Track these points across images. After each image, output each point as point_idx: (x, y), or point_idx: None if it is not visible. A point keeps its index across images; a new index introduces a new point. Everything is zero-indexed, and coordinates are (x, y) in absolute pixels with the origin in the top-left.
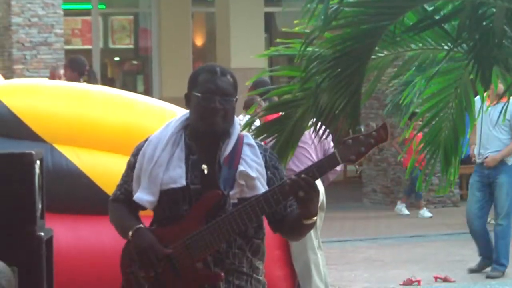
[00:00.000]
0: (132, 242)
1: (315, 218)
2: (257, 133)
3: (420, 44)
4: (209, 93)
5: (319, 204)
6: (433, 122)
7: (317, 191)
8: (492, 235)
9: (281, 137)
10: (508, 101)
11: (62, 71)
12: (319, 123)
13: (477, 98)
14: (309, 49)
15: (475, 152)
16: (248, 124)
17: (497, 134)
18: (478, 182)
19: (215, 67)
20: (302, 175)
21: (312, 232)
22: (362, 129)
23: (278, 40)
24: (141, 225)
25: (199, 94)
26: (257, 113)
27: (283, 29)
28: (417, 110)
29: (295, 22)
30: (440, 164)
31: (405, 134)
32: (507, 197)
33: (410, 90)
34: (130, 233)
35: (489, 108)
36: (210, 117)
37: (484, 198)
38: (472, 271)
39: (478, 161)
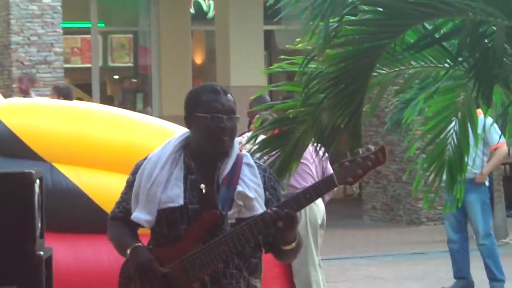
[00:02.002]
0: (130, 260)
1: (294, 243)
2: (260, 147)
3: (421, 62)
4: (217, 113)
5: (319, 221)
6: (437, 140)
7: (296, 222)
8: (477, 253)
9: (283, 152)
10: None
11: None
12: (320, 142)
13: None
14: (311, 65)
15: None
16: (252, 137)
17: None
18: (450, 198)
19: (216, 86)
20: (285, 210)
21: (313, 249)
22: (361, 151)
23: (281, 56)
24: (139, 244)
25: (207, 115)
26: (262, 127)
27: (287, 46)
28: (419, 128)
29: (297, 40)
30: (446, 182)
31: (409, 152)
32: (478, 216)
33: (412, 108)
34: (128, 251)
35: None
36: (219, 137)
37: (461, 214)
38: None
39: None
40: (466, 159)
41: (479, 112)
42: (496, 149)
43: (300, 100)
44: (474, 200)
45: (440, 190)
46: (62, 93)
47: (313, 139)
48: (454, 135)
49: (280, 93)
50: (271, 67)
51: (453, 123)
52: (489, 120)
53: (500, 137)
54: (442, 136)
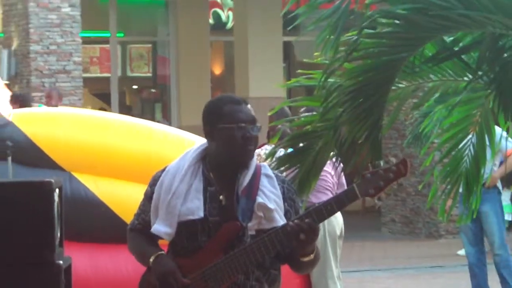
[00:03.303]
0: (153, 268)
1: (312, 255)
2: (280, 162)
3: (440, 75)
4: (242, 122)
5: (338, 233)
6: (454, 152)
7: (317, 235)
8: (493, 267)
9: (302, 168)
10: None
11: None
12: (339, 155)
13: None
14: (329, 80)
15: None
16: (271, 154)
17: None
18: (466, 211)
19: (235, 97)
20: (306, 220)
21: (332, 261)
22: (382, 164)
23: (299, 71)
24: (162, 252)
25: (232, 125)
26: (281, 142)
27: (304, 60)
28: (436, 140)
29: (315, 54)
30: (462, 194)
31: (425, 163)
32: (494, 226)
33: (430, 120)
34: (152, 259)
35: None
36: (245, 147)
37: (477, 227)
38: None
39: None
40: (482, 171)
41: None
42: (509, 155)
43: (318, 114)
44: (488, 210)
45: (456, 202)
46: (19, 100)
47: (332, 153)
48: (471, 147)
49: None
50: (289, 82)
51: (470, 135)
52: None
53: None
54: (459, 147)
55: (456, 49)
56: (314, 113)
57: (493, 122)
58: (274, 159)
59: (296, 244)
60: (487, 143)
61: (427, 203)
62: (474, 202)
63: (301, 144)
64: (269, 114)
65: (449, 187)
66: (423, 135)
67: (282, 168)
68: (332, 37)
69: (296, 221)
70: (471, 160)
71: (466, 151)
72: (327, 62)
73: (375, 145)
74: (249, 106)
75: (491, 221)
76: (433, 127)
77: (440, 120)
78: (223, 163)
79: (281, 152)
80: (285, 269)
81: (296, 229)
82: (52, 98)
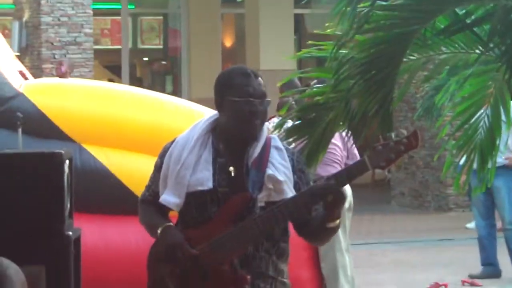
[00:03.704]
0: (161, 239)
1: (338, 221)
2: (288, 134)
3: (452, 48)
4: (249, 97)
5: (347, 205)
6: (467, 125)
7: (345, 196)
8: (501, 240)
9: (311, 139)
10: None
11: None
12: (350, 128)
13: None
14: (341, 51)
15: None
16: (280, 126)
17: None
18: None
19: (247, 69)
20: (332, 181)
21: (340, 234)
22: (393, 136)
23: (309, 42)
24: (170, 223)
25: (238, 99)
26: (289, 114)
27: (315, 31)
28: (449, 113)
29: (326, 25)
30: (477, 165)
31: (441, 134)
32: (505, 201)
33: (444, 92)
34: (159, 230)
35: None
36: (251, 121)
37: (489, 200)
38: (472, 277)
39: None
40: (497, 142)
41: None
42: None
43: (329, 86)
44: (501, 185)
45: (470, 174)
46: None
47: (342, 126)
48: (486, 119)
49: (310, 78)
50: (300, 52)
51: (484, 107)
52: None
53: None
54: (473, 119)
55: (468, 21)
56: (325, 84)
57: (508, 94)
58: (282, 130)
59: (324, 207)
60: (503, 114)
61: (436, 176)
62: (489, 173)
63: (311, 116)
64: (278, 84)
65: (463, 159)
66: (435, 108)
67: (290, 140)
68: (348, 8)
69: (323, 182)
70: (486, 132)
71: (481, 123)
72: (339, 33)
73: (386, 117)
74: (260, 79)
75: (503, 196)
76: (446, 100)
77: (453, 93)
78: (232, 135)
79: (288, 123)
80: (293, 242)
81: (323, 190)
82: (63, 65)
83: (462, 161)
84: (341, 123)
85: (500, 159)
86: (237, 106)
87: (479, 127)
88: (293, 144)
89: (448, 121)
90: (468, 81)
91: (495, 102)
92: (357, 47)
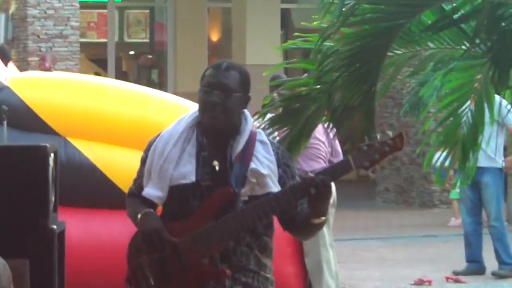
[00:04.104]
0: (140, 224)
1: (323, 218)
2: (271, 123)
3: (438, 43)
4: (209, 87)
5: (331, 201)
6: (451, 118)
7: (330, 190)
8: (487, 237)
9: (294, 129)
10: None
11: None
12: (332, 120)
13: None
14: (326, 44)
15: None
16: (262, 115)
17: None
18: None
19: (223, 62)
20: (319, 176)
21: (325, 229)
22: (378, 137)
23: (295, 34)
24: (150, 210)
25: (200, 88)
26: (272, 104)
27: (302, 23)
28: (432, 110)
29: (314, 17)
30: (458, 159)
31: (424, 127)
32: (493, 198)
33: (429, 86)
34: (139, 215)
35: None
36: (209, 110)
37: (476, 197)
38: (456, 273)
39: None
40: (480, 138)
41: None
42: None
43: (313, 78)
44: (489, 182)
45: (451, 167)
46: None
47: (324, 118)
48: (469, 114)
49: (295, 71)
50: (286, 43)
51: (468, 102)
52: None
53: None
54: (456, 114)
55: (455, 17)
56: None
57: (492, 90)
58: (265, 119)
59: (309, 202)
60: (486, 110)
61: (421, 172)
62: (470, 168)
63: (294, 106)
64: (264, 73)
65: (445, 153)
66: (421, 103)
67: (273, 128)
68: (336, 1)
69: (307, 176)
70: (469, 127)
71: (464, 118)
72: (325, 26)
73: (369, 110)
74: (232, 72)
75: (491, 193)
76: (431, 95)
77: (438, 87)
78: (204, 127)
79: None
80: (277, 237)
81: (308, 182)
82: (46, 60)
83: (440, 157)
84: (324, 115)
85: (489, 159)
86: (199, 95)
87: (462, 122)
88: (276, 133)
89: (432, 115)
90: (453, 75)
91: (479, 98)
92: (342, 39)
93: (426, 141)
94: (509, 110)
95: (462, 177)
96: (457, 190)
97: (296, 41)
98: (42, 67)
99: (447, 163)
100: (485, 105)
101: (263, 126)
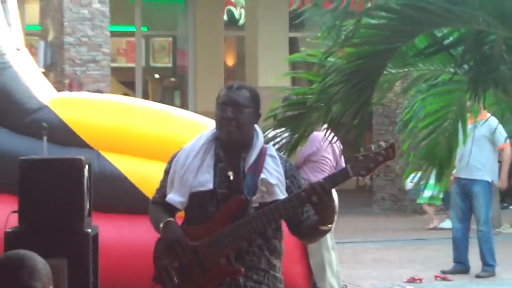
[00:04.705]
0: (163, 233)
1: (330, 225)
2: (277, 124)
3: (428, 65)
4: (223, 104)
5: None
6: (432, 136)
7: (331, 197)
8: (474, 240)
9: (295, 133)
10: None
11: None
12: (331, 128)
13: None
14: (329, 60)
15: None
16: (270, 116)
17: (481, 148)
18: (458, 191)
19: (234, 83)
20: (318, 185)
21: (327, 234)
22: (373, 148)
23: (302, 48)
24: (172, 219)
25: (216, 105)
26: (278, 107)
27: (308, 40)
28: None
29: (318, 35)
30: (435, 175)
31: (403, 147)
32: (482, 206)
33: (410, 108)
34: (161, 225)
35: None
36: (224, 126)
37: (466, 205)
38: (444, 272)
39: (455, 173)
40: (454, 155)
41: (486, 115)
42: (502, 149)
43: (314, 88)
44: (479, 192)
45: (428, 181)
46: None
47: (323, 125)
48: (446, 133)
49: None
50: (292, 55)
51: (445, 123)
52: (495, 121)
53: (505, 139)
54: (436, 133)
55: (445, 43)
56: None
57: (467, 113)
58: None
59: (315, 210)
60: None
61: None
62: (444, 183)
63: (297, 112)
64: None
65: (424, 168)
66: (405, 119)
67: (281, 129)
68: (337, 22)
69: (310, 184)
70: (445, 145)
71: (441, 138)
72: (329, 43)
73: (362, 121)
74: (243, 91)
75: (480, 201)
76: (413, 116)
77: (419, 108)
78: (220, 141)
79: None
80: (286, 241)
81: (310, 191)
82: (73, 87)
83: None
84: (323, 123)
85: (479, 172)
86: (215, 112)
87: (439, 142)
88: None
89: (416, 131)
90: (431, 100)
91: (455, 119)
92: (343, 58)
93: (404, 159)
94: (496, 128)
95: (438, 190)
96: (425, 195)
97: (302, 54)
98: (70, 89)
99: (422, 178)
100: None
101: (269, 126)
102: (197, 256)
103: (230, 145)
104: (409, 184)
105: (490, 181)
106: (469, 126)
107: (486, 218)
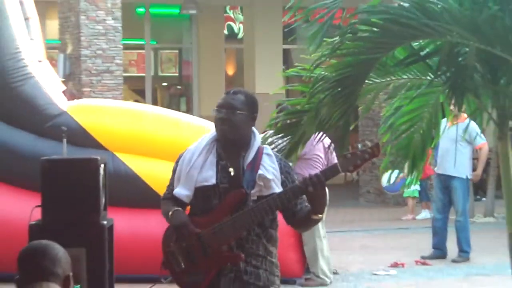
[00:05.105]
0: (171, 220)
1: (321, 215)
2: (276, 131)
3: (408, 74)
4: (219, 107)
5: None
6: (408, 132)
7: (324, 188)
8: (451, 229)
9: (294, 138)
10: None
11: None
12: (320, 130)
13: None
14: (318, 71)
15: (438, 161)
16: (270, 125)
17: (459, 148)
18: (439, 186)
19: (233, 89)
20: (312, 177)
21: (319, 223)
22: (359, 146)
23: (296, 64)
24: (179, 208)
25: (214, 109)
26: (277, 116)
27: (301, 56)
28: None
29: (310, 50)
30: (407, 168)
31: (383, 139)
32: (460, 199)
33: (389, 107)
34: (170, 213)
35: (450, 128)
36: (219, 126)
37: (446, 198)
38: (424, 258)
39: (436, 170)
40: (426, 151)
41: (465, 117)
42: (480, 148)
43: (305, 99)
44: (457, 187)
45: (400, 171)
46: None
47: (315, 128)
48: (420, 131)
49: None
50: (288, 70)
51: (420, 122)
52: (473, 124)
53: (481, 139)
54: (412, 129)
55: (422, 54)
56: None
57: (440, 114)
58: (272, 126)
59: (309, 200)
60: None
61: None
62: (416, 175)
63: (293, 120)
64: (272, 92)
65: (398, 159)
66: (384, 117)
67: (279, 136)
68: (324, 37)
69: (305, 177)
70: (419, 141)
71: (416, 135)
72: (316, 56)
73: (347, 123)
74: (239, 95)
75: (458, 195)
76: (392, 113)
77: (398, 109)
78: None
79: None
80: (281, 230)
81: (306, 182)
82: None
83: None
84: (313, 125)
85: (457, 170)
86: (214, 114)
87: (415, 137)
88: (273, 137)
89: (391, 130)
90: (416, 99)
91: (429, 119)
92: (330, 68)
93: (382, 151)
94: (477, 133)
95: (409, 180)
96: (410, 189)
97: (295, 69)
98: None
99: (397, 171)
100: (434, 125)
101: (270, 133)
102: (201, 243)
103: (228, 144)
104: (385, 182)
105: (467, 177)
106: (450, 128)
107: (464, 209)
